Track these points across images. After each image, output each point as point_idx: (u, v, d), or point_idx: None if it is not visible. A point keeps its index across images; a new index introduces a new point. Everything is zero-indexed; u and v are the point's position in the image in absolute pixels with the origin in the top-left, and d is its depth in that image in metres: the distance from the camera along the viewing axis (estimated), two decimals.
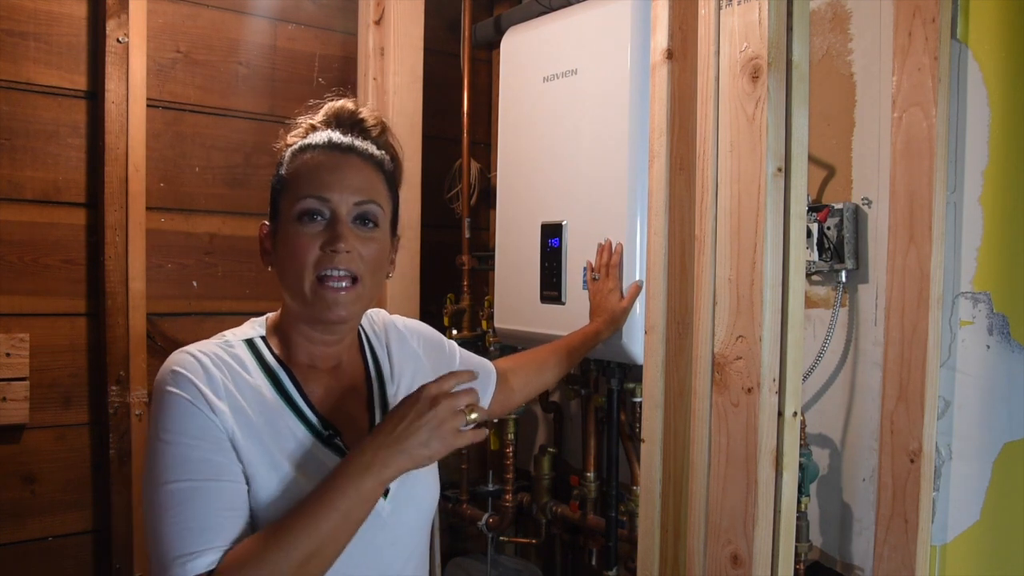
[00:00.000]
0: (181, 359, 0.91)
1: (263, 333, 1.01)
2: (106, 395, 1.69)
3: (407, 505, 1.01)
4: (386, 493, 0.98)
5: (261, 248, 1.03)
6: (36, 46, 1.66)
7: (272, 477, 0.90)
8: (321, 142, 1.00)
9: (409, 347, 1.15)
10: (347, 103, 1.08)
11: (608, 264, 1.56)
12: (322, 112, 1.07)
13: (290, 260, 0.95)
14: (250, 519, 0.88)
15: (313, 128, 1.06)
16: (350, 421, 1.01)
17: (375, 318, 1.17)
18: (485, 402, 1.30)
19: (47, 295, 1.68)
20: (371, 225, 0.98)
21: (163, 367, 0.92)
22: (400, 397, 1.07)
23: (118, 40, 1.68)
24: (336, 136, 1.01)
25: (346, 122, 1.06)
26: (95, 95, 1.70)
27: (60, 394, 1.70)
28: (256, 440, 0.90)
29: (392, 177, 1.05)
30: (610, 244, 1.57)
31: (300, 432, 0.95)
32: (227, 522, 0.85)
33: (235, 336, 0.99)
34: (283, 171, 1.01)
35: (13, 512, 1.65)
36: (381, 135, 1.07)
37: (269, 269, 1.02)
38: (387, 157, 1.06)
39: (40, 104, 1.66)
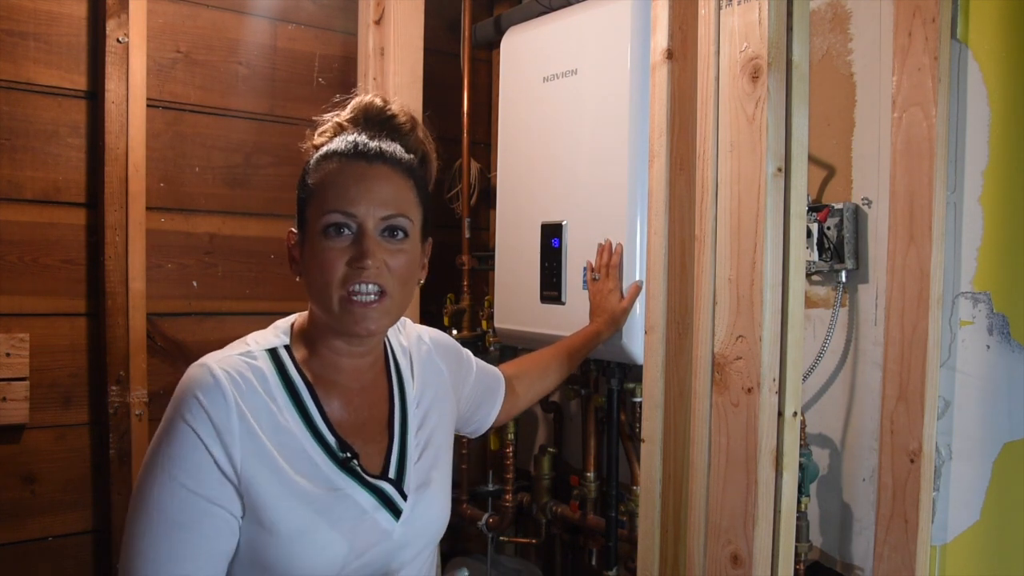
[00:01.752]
0: (203, 382, 0.88)
1: (287, 341, 0.98)
2: (106, 395, 1.69)
3: (419, 527, 0.99)
4: (398, 515, 0.97)
5: (289, 256, 1.01)
6: (36, 46, 1.65)
7: (280, 505, 0.88)
8: (347, 149, 0.96)
9: (433, 362, 1.13)
10: (376, 99, 1.03)
11: (608, 264, 1.56)
12: (350, 108, 1.03)
13: (317, 273, 0.93)
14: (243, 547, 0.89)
15: (340, 127, 1.02)
16: (369, 442, 0.99)
17: (403, 330, 1.14)
18: (495, 412, 1.30)
19: (47, 295, 1.68)
20: (400, 236, 0.95)
21: (185, 384, 0.89)
22: (422, 419, 1.06)
23: (118, 40, 1.68)
24: (362, 142, 0.97)
25: (374, 119, 1.02)
26: (95, 95, 1.70)
27: (60, 394, 1.70)
28: (268, 465, 0.89)
29: (423, 180, 1.02)
30: (610, 244, 1.57)
31: (316, 455, 0.93)
32: (199, 571, 0.85)
33: (258, 345, 0.96)
34: (309, 179, 0.97)
35: (13, 512, 1.65)
36: (411, 132, 1.04)
37: (298, 279, 0.99)
38: (416, 159, 1.02)
39: (40, 104, 1.66)
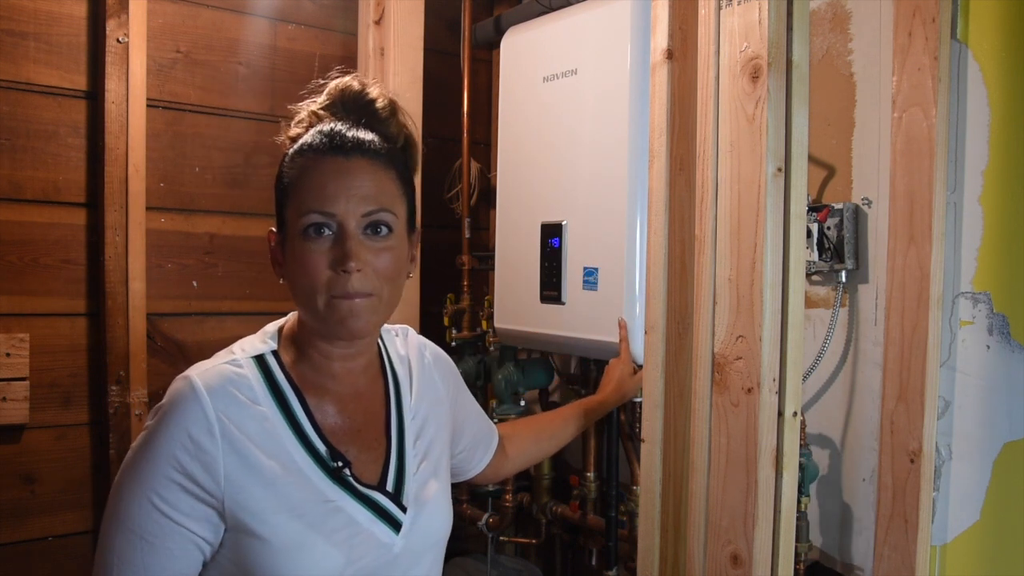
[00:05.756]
0: (183, 396, 0.86)
1: (275, 347, 0.94)
2: (106, 395, 1.69)
3: (421, 539, 0.96)
4: (398, 529, 0.93)
5: (272, 259, 0.96)
6: (36, 46, 1.65)
7: (272, 519, 0.85)
8: (322, 144, 0.90)
9: (431, 376, 1.09)
10: (353, 82, 0.97)
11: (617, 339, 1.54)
12: (325, 94, 0.98)
13: (301, 277, 0.88)
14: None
15: (316, 117, 0.96)
16: (364, 450, 0.95)
17: (405, 338, 1.10)
18: (486, 460, 1.25)
19: (47, 295, 1.68)
20: (384, 232, 0.90)
21: (168, 398, 0.87)
22: (419, 429, 1.02)
23: (118, 40, 1.68)
24: (338, 132, 0.91)
25: (352, 105, 0.96)
26: (95, 95, 1.70)
27: (60, 394, 1.70)
28: (257, 478, 0.86)
29: (406, 169, 0.96)
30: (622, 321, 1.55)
31: (306, 465, 0.89)
32: None
33: (244, 352, 0.92)
34: (285, 176, 0.92)
35: (13, 512, 1.65)
36: (392, 117, 0.97)
37: (281, 281, 0.94)
38: (398, 146, 0.96)
39: (40, 104, 1.66)
